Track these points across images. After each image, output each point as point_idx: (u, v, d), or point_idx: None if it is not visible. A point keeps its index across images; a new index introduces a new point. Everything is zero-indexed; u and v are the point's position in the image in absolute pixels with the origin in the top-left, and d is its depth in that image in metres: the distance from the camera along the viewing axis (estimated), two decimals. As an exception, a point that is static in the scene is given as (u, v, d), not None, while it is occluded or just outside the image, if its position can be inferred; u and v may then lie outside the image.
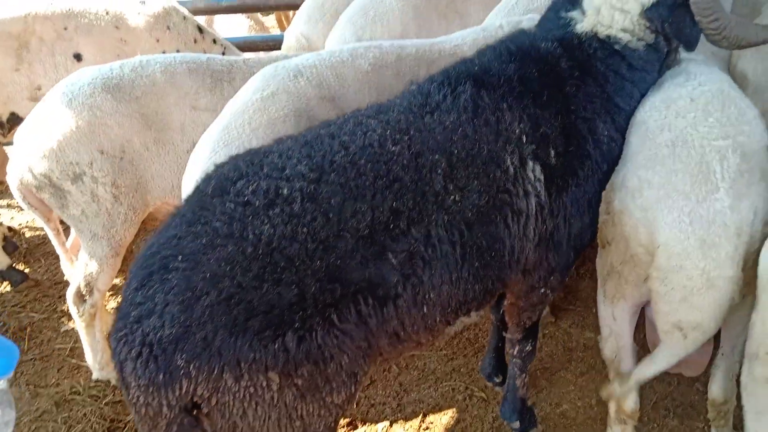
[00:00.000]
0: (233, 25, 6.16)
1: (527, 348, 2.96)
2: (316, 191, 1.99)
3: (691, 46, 2.46)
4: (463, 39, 3.30)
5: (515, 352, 2.98)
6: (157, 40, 4.24)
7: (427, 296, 2.15)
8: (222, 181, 2.04)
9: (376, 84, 3.02)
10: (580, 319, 3.89)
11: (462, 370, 3.60)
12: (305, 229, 1.93)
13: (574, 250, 2.55)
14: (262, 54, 3.87)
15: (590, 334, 3.76)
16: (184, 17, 4.39)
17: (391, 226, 2.04)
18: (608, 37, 2.47)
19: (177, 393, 1.83)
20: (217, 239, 1.89)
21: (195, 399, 1.86)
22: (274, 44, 5.57)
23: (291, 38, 4.77)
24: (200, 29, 4.45)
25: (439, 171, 2.15)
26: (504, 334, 3.06)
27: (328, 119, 2.39)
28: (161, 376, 1.81)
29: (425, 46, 3.22)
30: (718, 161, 2.23)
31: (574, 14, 2.53)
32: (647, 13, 2.43)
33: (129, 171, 3.21)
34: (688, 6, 2.38)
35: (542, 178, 2.32)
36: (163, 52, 4.23)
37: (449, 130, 2.22)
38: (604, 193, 2.52)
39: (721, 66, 3.00)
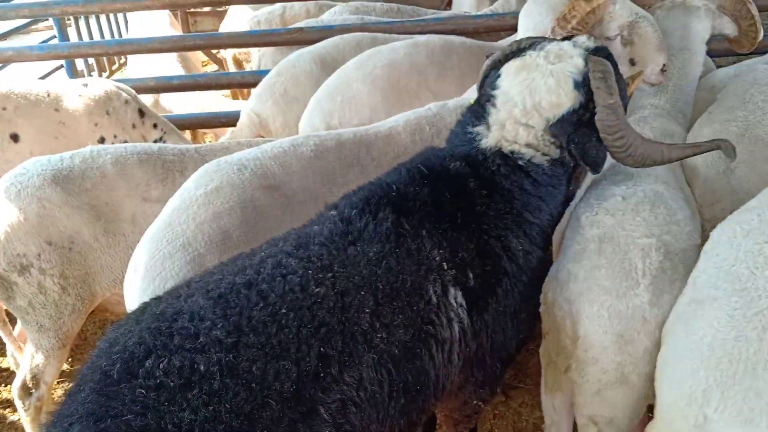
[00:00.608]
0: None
1: None
2: (236, 360, 1.80)
3: (596, 169, 2.37)
4: (396, 122, 3.40)
5: None
6: (96, 125, 4.30)
7: None
8: (128, 362, 1.76)
9: (320, 169, 3.07)
10: (530, 397, 3.86)
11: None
12: (228, 406, 1.74)
13: (500, 362, 2.49)
14: (215, 143, 3.89)
15: (541, 413, 3.75)
16: (126, 101, 4.44)
17: (321, 375, 1.91)
18: (512, 152, 2.39)
19: None
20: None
21: None
22: (227, 120, 5.64)
23: (244, 115, 4.85)
24: (141, 113, 4.51)
25: (367, 309, 2.04)
26: None
27: (249, 251, 2.24)
28: None
29: (362, 131, 3.31)
30: (640, 258, 2.29)
31: (480, 129, 2.45)
32: (552, 128, 2.35)
33: (77, 262, 3.17)
34: (594, 123, 2.32)
35: (464, 303, 2.25)
36: (102, 137, 4.28)
37: (373, 263, 2.12)
38: (543, 285, 2.56)
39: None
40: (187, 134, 6.19)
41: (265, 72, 5.54)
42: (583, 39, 2.48)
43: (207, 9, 8.92)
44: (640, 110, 3.30)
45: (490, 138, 2.42)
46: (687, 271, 2.28)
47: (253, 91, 4.90)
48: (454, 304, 2.22)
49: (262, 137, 4.64)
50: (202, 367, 1.75)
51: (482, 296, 2.30)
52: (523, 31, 3.36)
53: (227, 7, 7.79)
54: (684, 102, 3.34)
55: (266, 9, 6.58)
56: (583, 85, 2.33)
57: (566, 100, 2.32)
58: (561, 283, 2.41)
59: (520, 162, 2.38)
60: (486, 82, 2.55)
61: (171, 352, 1.77)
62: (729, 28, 3.33)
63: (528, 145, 2.38)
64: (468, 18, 5.50)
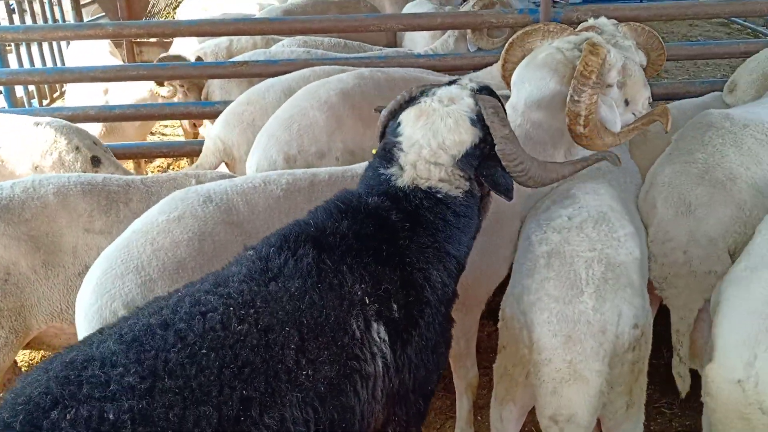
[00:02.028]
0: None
1: None
2: (150, 407, 1.71)
3: (508, 195, 2.52)
4: None
5: None
6: (36, 168, 4.18)
7: None
8: (32, 413, 1.66)
9: (287, 209, 3.07)
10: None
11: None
12: None
13: (422, 398, 2.50)
14: (161, 174, 3.86)
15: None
16: (77, 148, 4.25)
17: (242, 418, 1.83)
18: (429, 188, 2.50)
19: None
20: None
21: None
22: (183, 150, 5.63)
23: (209, 141, 4.83)
24: (96, 161, 4.30)
25: (292, 345, 2.00)
26: None
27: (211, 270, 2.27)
28: None
29: (338, 172, 3.33)
30: (584, 269, 2.60)
31: (393, 170, 2.54)
32: (459, 164, 2.50)
33: (13, 294, 3.10)
34: (494, 155, 2.51)
35: (386, 338, 2.28)
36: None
37: (296, 298, 2.09)
38: (502, 302, 2.81)
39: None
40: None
41: (211, 104, 5.59)
42: (465, 81, 2.67)
43: (153, 39, 8.89)
44: None
45: (405, 176, 2.52)
46: (629, 283, 2.59)
47: (220, 117, 4.88)
48: (378, 339, 2.24)
49: (227, 164, 4.69)
50: (111, 416, 1.67)
51: (406, 329, 2.33)
52: (525, 96, 3.29)
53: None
54: None
55: (213, 41, 6.59)
56: (478, 121, 2.52)
57: (467, 136, 2.50)
58: (517, 297, 2.69)
59: (439, 195, 2.49)
60: (386, 131, 2.71)
61: (79, 401, 1.69)
62: (640, 57, 3.54)
63: (441, 180, 2.51)
64: (411, 57, 5.68)
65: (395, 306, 2.30)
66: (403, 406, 2.41)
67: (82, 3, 9.61)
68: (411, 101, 2.67)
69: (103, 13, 8.95)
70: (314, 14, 6.87)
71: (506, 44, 3.67)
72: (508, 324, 2.73)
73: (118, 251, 2.76)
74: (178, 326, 1.89)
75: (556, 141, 3.25)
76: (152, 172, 6.96)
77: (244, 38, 6.67)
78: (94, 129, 5.95)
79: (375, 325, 2.24)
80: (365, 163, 3.39)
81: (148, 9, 9.76)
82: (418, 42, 6.83)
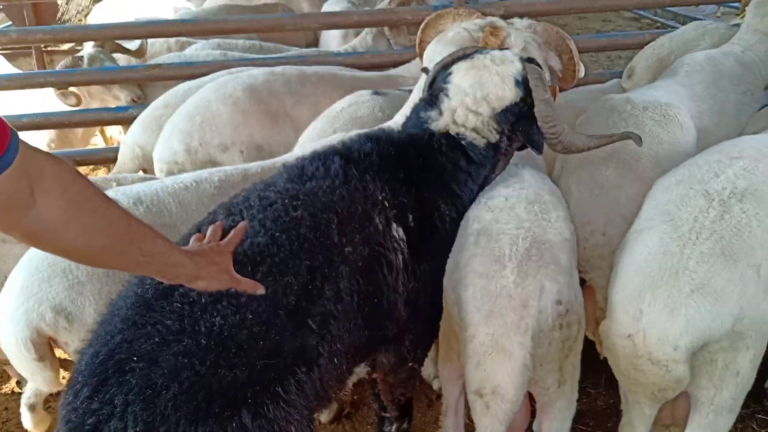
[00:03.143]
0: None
1: (404, 426, 3.18)
2: (257, 278, 2.14)
3: (539, 149, 2.88)
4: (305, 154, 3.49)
5: (393, 430, 3.18)
6: None
7: (337, 349, 2.33)
8: (157, 292, 2.07)
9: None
10: None
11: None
12: (251, 316, 2.08)
13: (431, 323, 2.83)
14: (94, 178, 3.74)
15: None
16: None
17: (310, 287, 2.24)
18: (457, 134, 2.85)
19: None
20: (171, 336, 1.96)
21: None
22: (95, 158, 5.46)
23: (126, 148, 4.72)
24: None
25: (333, 226, 2.40)
26: (383, 414, 3.24)
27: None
28: None
29: (269, 164, 3.40)
30: (508, 246, 2.62)
31: (432, 114, 2.89)
32: (497, 116, 2.84)
33: None
34: (533, 113, 2.83)
35: (405, 237, 2.63)
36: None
37: (329, 192, 2.49)
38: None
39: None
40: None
41: (124, 109, 5.45)
42: (516, 50, 3.04)
43: (65, 47, 8.62)
44: None
45: (440, 121, 2.87)
46: (553, 260, 2.63)
47: (137, 122, 4.77)
48: (396, 236, 2.61)
49: (145, 170, 4.57)
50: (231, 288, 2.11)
51: (419, 241, 2.68)
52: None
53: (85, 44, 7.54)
54: None
55: (127, 44, 6.44)
56: (522, 84, 2.84)
57: (510, 94, 2.83)
58: (449, 273, 2.74)
59: (462, 142, 2.85)
60: (437, 80, 3.02)
61: None
62: (555, 62, 3.61)
63: (473, 129, 2.85)
64: (329, 56, 5.67)
65: (411, 216, 2.68)
66: (418, 321, 2.76)
67: (-13, 12, 9.24)
68: (465, 57, 2.97)
69: (10, 22, 8.61)
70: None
71: (422, 25, 3.94)
72: (446, 297, 2.76)
73: (44, 255, 2.70)
74: (258, 217, 2.33)
75: None
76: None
77: (158, 42, 6.55)
78: (41, 137, 5.77)
79: (394, 224, 2.61)
80: (299, 151, 3.60)
81: (58, 16, 9.43)
82: (331, 42, 6.83)
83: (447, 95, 2.89)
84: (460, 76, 2.90)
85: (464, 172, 2.88)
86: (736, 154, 2.86)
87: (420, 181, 2.76)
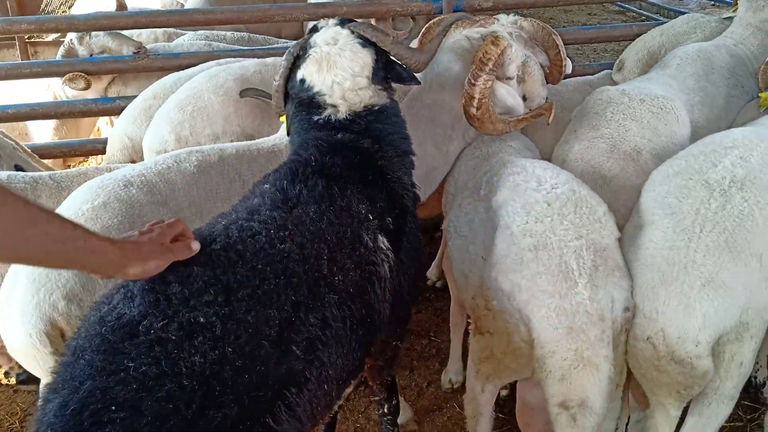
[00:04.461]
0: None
1: (393, 402, 3.27)
2: (233, 311, 2.00)
3: (416, 81, 3.03)
4: (281, 139, 3.57)
5: (386, 410, 3.28)
6: None
7: (328, 374, 2.28)
8: (124, 325, 1.88)
9: (203, 184, 3.21)
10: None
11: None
12: (231, 350, 1.94)
13: (410, 301, 2.93)
14: (72, 169, 3.67)
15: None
16: None
17: (293, 319, 2.16)
18: (365, 107, 2.84)
19: None
20: (150, 381, 1.79)
21: None
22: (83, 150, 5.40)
23: (115, 139, 4.67)
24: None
25: (324, 257, 2.34)
26: (372, 398, 3.34)
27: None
28: None
29: (244, 146, 3.47)
30: (574, 260, 2.54)
31: (328, 111, 2.82)
32: (373, 80, 2.86)
33: None
34: (389, 57, 2.95)
35: (389, 246, 2.63)
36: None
37: (317, 219, 2.42)
38: (478, 290, 2.83)
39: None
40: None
41: (112, 100, 5.39)
42: (322, 23, 2.98)
43: (49, 38, 8.49)
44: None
45: (341, 110, 2.81)
46: (615, 266, 2.62)
47: (125, 113, 4.71)
48: (383, 247, 2.60)
49: (134, 161, 4.49)
50: (202, 319, 1.95)
51: (398, 237, 2.70)
52: (432, 76, 3.56)
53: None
54: None
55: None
56: (366, 42, 2.87)
57: (368, 57, 2.85)
58: (507, 294, 2.63)
59: (376, 108, 2.85)
60: (292, 93, 2.95)
61: (166, 314, 1.92)
62: (542, 57, 3.61)
63: (370, 98, 2.84)
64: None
65: (389, 219, 2.67)
66: (401, 307, 2.77)
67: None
68: (297, 60, 2.93)
69: (-8, 13, 8.48)
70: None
71: (423, 29, 3.95)
72: (496, 316, 2.68)
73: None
74: (236, 247, 2.17)
75: (455, 122, 3.51)
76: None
77: (145, 33, 6.47)
78: (47, 127, 5.70)
79: (379, 236, 2.60)
80: (273, 137, 3.67)
81: (42, 7, 9.30)
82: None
83: (322, 95, 2.82)
84: (316, 75, 2.83)
85: (401, 128, 2.96)
86: (730, 144, 2.86)
87: (386, 169, 2.78)
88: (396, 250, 2.66)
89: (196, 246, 2.05)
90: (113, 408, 1.73)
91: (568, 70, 3.65)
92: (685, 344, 2.45)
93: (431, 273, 5.00)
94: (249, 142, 3.55)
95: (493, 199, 2.92)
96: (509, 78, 3.42)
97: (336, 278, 2.34)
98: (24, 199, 1.66)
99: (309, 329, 2.20)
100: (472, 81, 3.21)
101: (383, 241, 2.60)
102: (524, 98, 3.52)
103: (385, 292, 2.59)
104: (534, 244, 2.62)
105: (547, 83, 3.69)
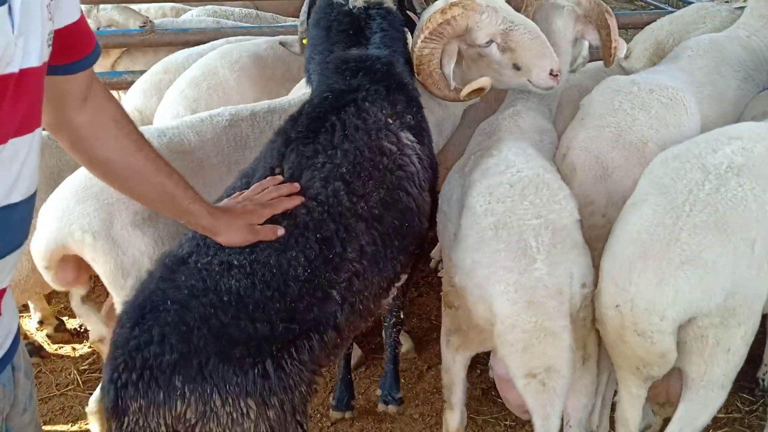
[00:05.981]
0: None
1: (400, 315, 3.60)
2: (257, 253, 2.30)
3: None
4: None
5: (392, 322, 3.60)
6: None
7: (361, 298, 2.51)
8: (176, 259, 2.32)
9: (233, 135, 3.35)
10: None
11: None
12: (258, 282, 2.26)
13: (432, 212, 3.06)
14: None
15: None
16: None
17: (330, 256, 2.39)
18: (377, 4, 3.15)
19: (173, 413, 2.07)
20: (196, 291, 2.21)
21: (180, 428, 2.10)
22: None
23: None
24: None
25: (341, 192, 2.49)
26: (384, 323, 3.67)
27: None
28: (161, 396, 2.06)
29: (275, 102, 3.61)
30: (533, 238, 2.62)
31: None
32: None
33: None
34: None
35: (414, 138, 2.85)
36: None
37: (332, 157, 2.57)
38: (445, 268, 2.94)
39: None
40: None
41: (117, 74, 5.36)
42: None
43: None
44: (511, 106, 3.52)
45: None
46: (573, 244, 2.68)
47: (135, 87, 4.67)
48: (408, 142, 2.79)
49: None
50: (236, 262, 2.28)
51: (419, 131, 2.92)
52: None
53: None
54: (550, 98, 3.59)
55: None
56: None
57: None
58: (467, 271, 2.71)
59: (386, 5, 3.17)
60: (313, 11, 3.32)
61: (209, 255, 2.30)
62: (593, 37, 3.52)
63: None
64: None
65: (410, 117, 2.88)
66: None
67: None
68: None
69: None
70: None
71: None
72: (459, 292, 2.75)
73: (81, 179, 2.99)
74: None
75: None
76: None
77: (153, 7, 6.44)
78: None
79: (402, 133, 2.79)
80: (301, 91, 3.72)
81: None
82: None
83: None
84: None
85: (404, 34, 3.27)
86: (735, 135, 2.87)
87: (399, 68, 3.03)
88: (420, 142, 2.87)
89: (281, 232, 2.31)
90: (168, 302, 2.17)
91: (621, 53, 3.54)
92: (650, 316, 2.49)
93: (435, 253, 4.94)
94: (280, 99, 3.67)
95: (468, 179, 2.99)
96: (480, 45, 3.26)
97: (359, 206, 2.53)
98: (157, 152, 2.11)
99: (348, 265, 2.43)
100: (413, 46, 3.28)
101: (407, 136, 2.81)
102: (516, 67, 3.28)
103: (421, 185, 2.81)
104: (494, 223, 2.69)
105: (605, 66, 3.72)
